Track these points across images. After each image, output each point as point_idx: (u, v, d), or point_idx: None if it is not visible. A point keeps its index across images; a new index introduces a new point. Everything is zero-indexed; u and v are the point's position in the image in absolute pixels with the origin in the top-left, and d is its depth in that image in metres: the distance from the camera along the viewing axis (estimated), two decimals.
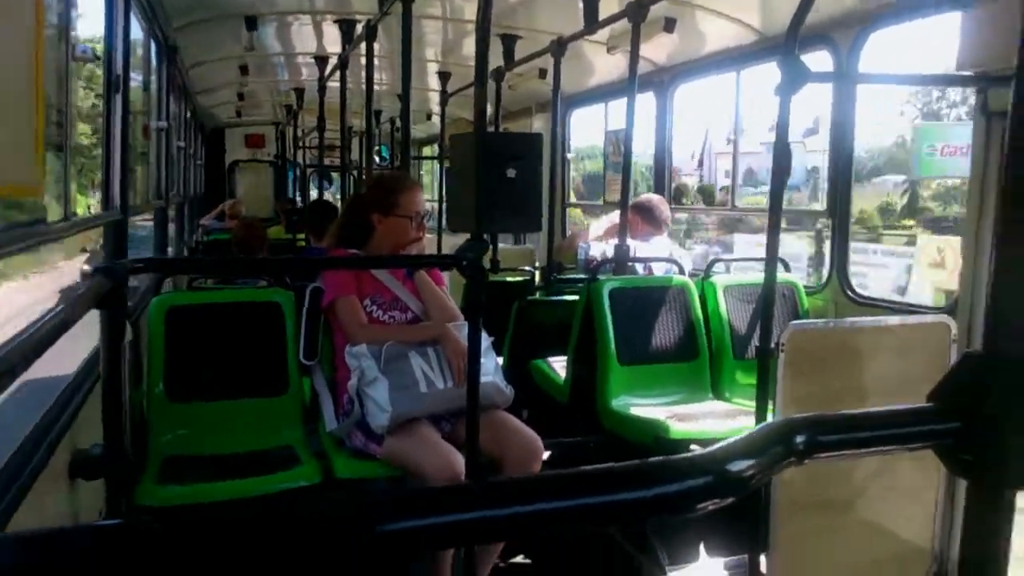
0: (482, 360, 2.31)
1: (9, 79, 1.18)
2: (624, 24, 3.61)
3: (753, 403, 2.35)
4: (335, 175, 11.53)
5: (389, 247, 2.77)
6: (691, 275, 3.70)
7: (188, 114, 6.80)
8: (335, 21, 4.39)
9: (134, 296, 3.13)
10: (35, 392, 1.66)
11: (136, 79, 4.00)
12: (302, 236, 6.44)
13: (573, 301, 3.65)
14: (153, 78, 4.21)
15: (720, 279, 3.60)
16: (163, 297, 2.83)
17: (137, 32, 3.52)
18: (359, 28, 4.24)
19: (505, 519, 0.59)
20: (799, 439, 0.66)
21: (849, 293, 3.53)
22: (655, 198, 4.02)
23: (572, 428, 3.38)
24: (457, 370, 2.53)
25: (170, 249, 5.08)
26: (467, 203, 2.08)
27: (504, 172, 2.09)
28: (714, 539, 2.78)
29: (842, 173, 3.59)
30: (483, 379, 2.36)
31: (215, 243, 7.10)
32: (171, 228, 5.20)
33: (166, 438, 2.65)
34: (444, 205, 6.91)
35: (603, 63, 4.92)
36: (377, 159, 9.07)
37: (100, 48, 2.44)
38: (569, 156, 6.20)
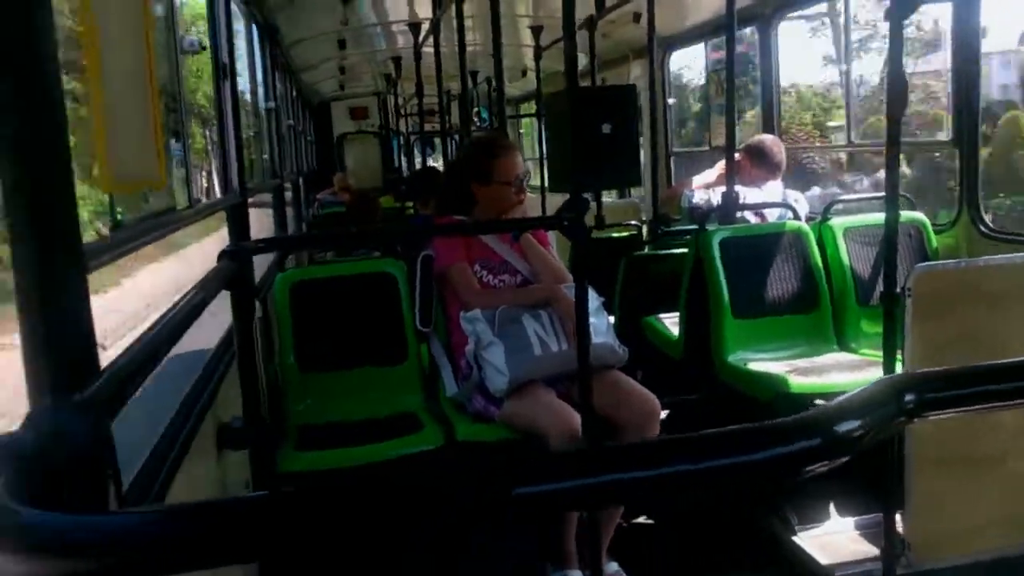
0: (593, 320, 2.30)
1: (127, 84, 1.24)
2: None
3: (882, 353, 2.23)
4: (437, 140, 11.67)
5: (492, 213, 2.77)
6: (808, 219, 3.52)
7: (294, 92, 7.01)
8: None
9: (260, 273, 3.29)
10: (176, 370, 1.79)
11: (242, 64, 4.16)
12: (411, 204, 6.57)
13: (682, 254, 3.55)
14: (258, 60, 4.36)
15: (839, 221, 3.41)
16: (286, 274, 2.96)
17: (237, 17, 3.64)
18: None
19: (626, 483, 0.60)
20: (909, 398, 0.64)
21: (982, 229, 3.26)
22: (767, 139, 3.81)
23: (687, 385, 3.32)
24: (570, 331, 2.53)
25: (290, 225, 5.31)
26: (564, 162, 2.05)
27: (599, 128, 2.03)
28: (845, 498, 2.69)
29: (968, 100, 3.30)
30: (595, 339, 2.34)
31: (330, 216, 7.35)
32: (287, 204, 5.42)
33: (300, 407, 2.80)
34: (544, 163, 6.86)
35: (699, 1, 4.70)
36: (477, 121, 9.08)
37: (205, 38, 2.55)
38: (671, 101, 5.99)
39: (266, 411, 2.25)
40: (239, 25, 3.65)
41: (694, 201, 3.66)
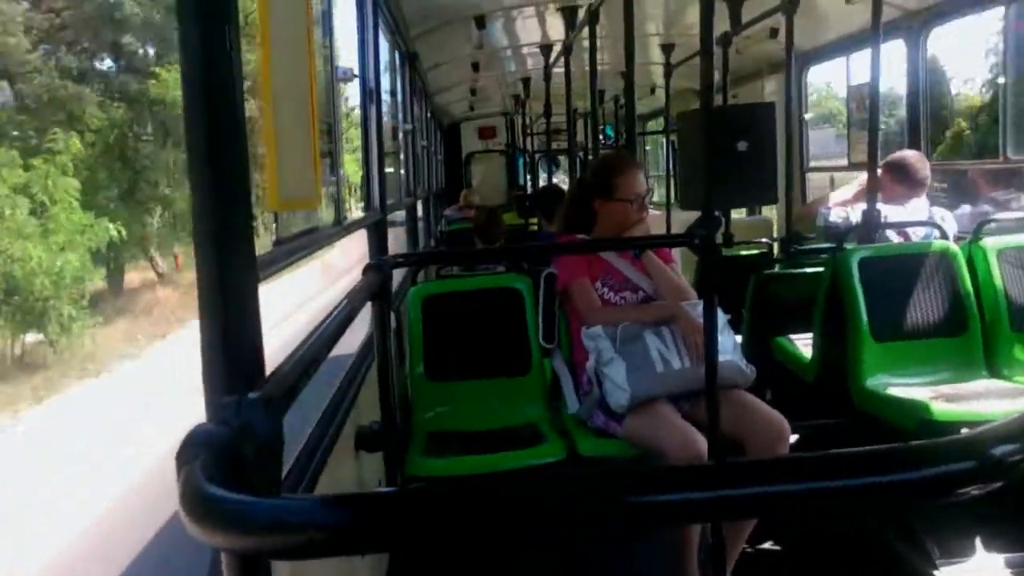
0: (720, 338, 2.27)
1: (293, 113, 1.38)
2: None
3: None
4: (562, 158, 11.81)
5: (613, 230, 2.79)
6: (956, 239, 3.31)
7: (428, 114, 7.33)
8: (558, 9, 4.49)
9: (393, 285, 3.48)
10: (320, 374, 1.94)
11: (384, 88, 4.41)
12: (534, 220, 6.69)
13: (816, 274, 3.43)
14: (398, 85, 4.60)
15: (993, 242, 3.19)
16: (419, 287, 3.11)
17: (382, 44, 3.87)
18: (581, 13, 4.30)
19: (749, 498, 0.59)
20: None
21: None
22: (911, 155, 3.62)
23: (820, 409, 3.19)
24: (694, 349, 2.51)
25: (420, 240, 5.54)
26: (697, 179, 2.05)
27: (735, 146, 2.02)
28: (993, 532, 2.50)
29: None
30: (722, 358, 2.32)
31: (456, 232, 7.60)
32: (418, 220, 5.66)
33: (427, 415, 2.92)
34: (671, 180, 6.80)
35: (841, 13, 4.53)
36: (602, 138, 9.12)
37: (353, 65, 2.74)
38: (807, 117, 5.80)
39: (399, 417, 2.38)
40: (383, 52, 3.88)
41: (831, 219, 3.53)
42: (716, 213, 2.10)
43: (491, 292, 3.07)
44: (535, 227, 6.42)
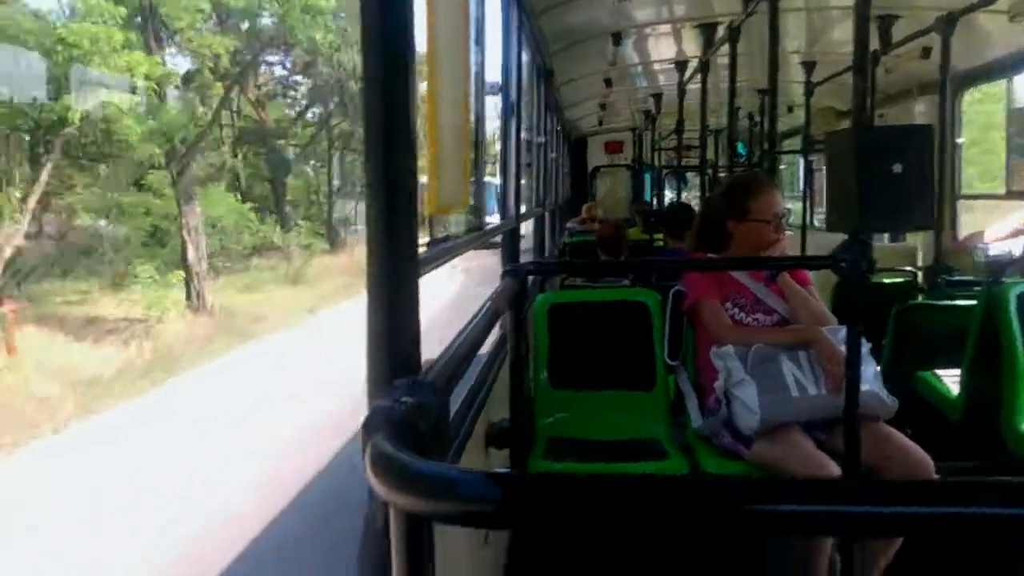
0: (860, 367, 2.18)
1: (452, 127, 1.46)
2: None
3: None
4: (690, 175, 11.62)
5: (748, 251, 2.73)
6: None
7: (558, 128, 7.43)
8: (696, 27, 4.46)
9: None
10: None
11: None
12: (658, 236, 6.63)
13: (967, 307, 3.22)
14: (533, 99, 4.71)
15: None
16: (547, 295, 3.16)
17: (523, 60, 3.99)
18: (720, 31, 4.25)
19: (885, 517, 0.60)
20: None
21: None
22: None
23: (965, 450, 2.99)
24: (833, 376, 2.42)
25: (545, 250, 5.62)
26: (846, 201, 1.99)
27: (888, 167, 1.94)
28: None
29: None
30: (862, 387, 2.23)
31: (578, 244, 7.64)
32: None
33: (548, 420, 2.96)
34: (807, 201, 6.56)
35: (1003, 32, 4.25)
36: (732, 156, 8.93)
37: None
38: (960, 141, 5.45)
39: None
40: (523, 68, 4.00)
41: (991, 254, 3.31)
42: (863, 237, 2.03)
43: (618, 305, 3.08)
44: (659, 243, 6.37)
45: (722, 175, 8.64)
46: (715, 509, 0.63)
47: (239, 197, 21.83)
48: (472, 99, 1.70)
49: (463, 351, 1.23)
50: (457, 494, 0.64)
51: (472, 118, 2.00)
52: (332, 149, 27.68)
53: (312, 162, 28.68)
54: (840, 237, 2.55)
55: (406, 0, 1.06)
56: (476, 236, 2.02)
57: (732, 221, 2.75)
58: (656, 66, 6.21)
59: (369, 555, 0.98)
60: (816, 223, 7.36)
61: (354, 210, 27.92)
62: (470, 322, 1.36)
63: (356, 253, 23.48)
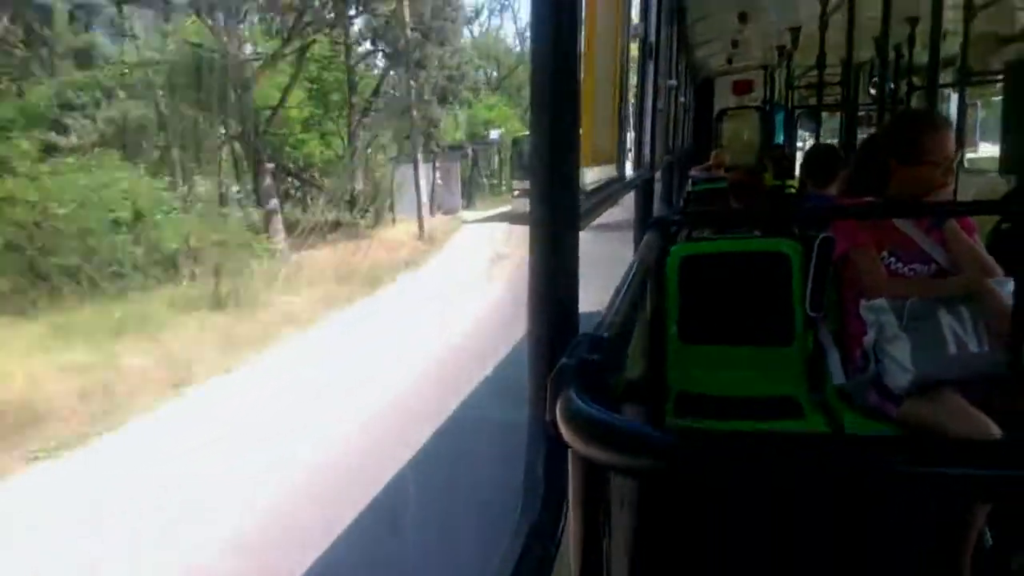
0: None
1: (604, 83, 1.44)
2: None
3: None
4: (825, 116, 10.95)
5: (910, 195, 2.56)
6: None
7: (686, 69, 7.16)
8: None
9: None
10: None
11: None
12: (791, 183, 6.32)
13: None
14: (667, 40, 4.55)
15: None
16: (680, 247, 3.09)
17: None
18: None
19: None
20: None
21: None
22: None
23: None
24: (998, 331, 2.26)
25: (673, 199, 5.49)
26: None
27: None
28: None
29: None
30: None
31: (704, 193, 7.40)
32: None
33: (678, 375, 2.94)
34: (962, 141, 6.06)
35: None
36: (873, 91, 8.36)
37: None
38: None
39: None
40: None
41: None
42: None
43: (757, 256, 2.98)
44: (791, 190, 6.07)
45: (861, 115, 8.10)
46: (862, 468, 0.61)
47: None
48: (621, 51, 1.67)
49: (625, 308, 1.24)
50: (657, 450, 0.66)
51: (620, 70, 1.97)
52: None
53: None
54: (988, 180, 2.35)
55: None
56: (619, 188, 2.00)
57: (897, 161, 2.58)
58: None
59: (538, 495, 1.02)
60: (965, 165, 6.80)
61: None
62: (625, 279, 1.37)
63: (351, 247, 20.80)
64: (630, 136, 2.90)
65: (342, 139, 25.82)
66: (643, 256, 1.58)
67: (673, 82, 4.68)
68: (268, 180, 20.14)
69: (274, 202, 20.12)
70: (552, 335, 1.08)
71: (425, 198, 26.58)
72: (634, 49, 2.83)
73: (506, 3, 45.27)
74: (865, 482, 0.63)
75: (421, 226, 24.28)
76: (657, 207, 4.88)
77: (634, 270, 1.42)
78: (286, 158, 24.00)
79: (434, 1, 24.94)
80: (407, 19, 23.67)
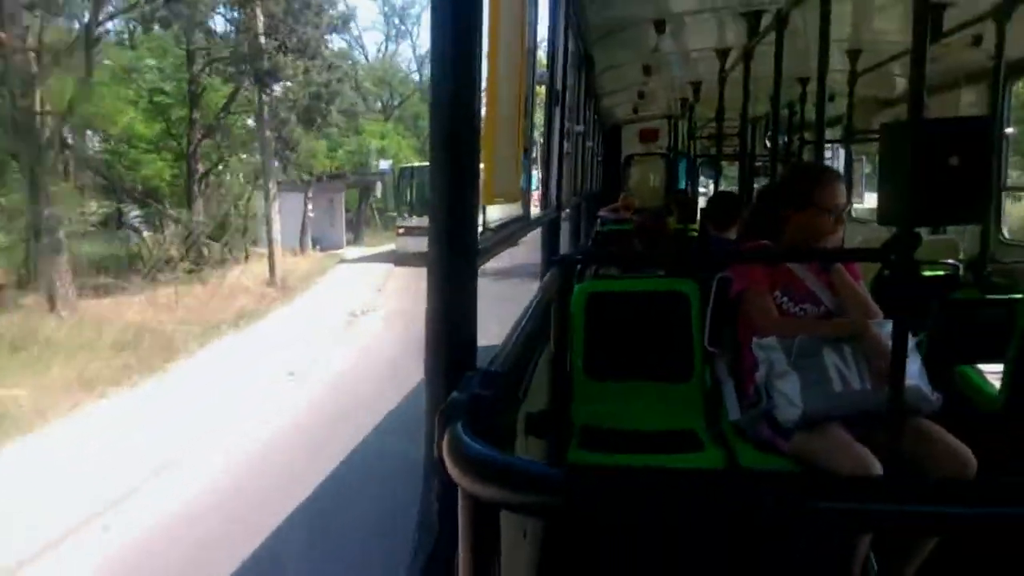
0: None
1: (506, 120, 1.47)
2: None
3: None
4: (724, 164, 11.50)
5: (802, 240, 2.71)
6: None
7: (595, 116, 7.39)
8: (741, 14, 4.40)
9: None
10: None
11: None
12: (693, 227, 6.58)
13: (1012, 300, 3.17)
14: (575, 87, 4.69)
15: None
16: (585, 284, 3.16)
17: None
18: (765, 19, 4.20)
19: (928, 515, 0.61)
20: None
21: None
22: None
23: (1006, 446, 2.95)
24: (879, 370, 2.40)
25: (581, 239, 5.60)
26: (899, 194, 1.96)
27: (945, 161, 1.91)
28: None
29: None
30: (907, 382, 2.21)
31: (611, 233, 7.61)
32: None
33: (583, 409, 2.97)
34: (849, 193, 6.47)
35: None
36: (768, 144, 8.85)
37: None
38: (1009, 132, 5.34)
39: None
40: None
41: None
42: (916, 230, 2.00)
43: (659, 295, 3.07)
44: (694, 233, 6.32)
45: (758, 164, 8.55)
46: (754, 504, 0.64)
47: None
48: (524, 95, 1.71)
49: (522, 340, 1.25)
50: (547, 487, 0.67)
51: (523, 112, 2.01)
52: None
53: None
54: (872, 229, 2.52)
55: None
56: (522, 226, 2.03)
57: (792, 209, 2.72)
58: (695, 54, 6.14)
59: (429, 535, 1.01)
60: (852, 214, 7.24)
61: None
62: (524, 314, 1.38)
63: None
64: (537, 177, 2.98)
65: (182, 160, 22.39)
66: (545, 291, 1.61)
67: (580, 127, 4.83)
68: (50, 206, 14.87)
69: (60, 236, 14.96)
70: (448, 371, 1.08)
71: (297, 232, 24.61)
72: (542, 93, 2.92)
73: (404, 28, 43.13)
74: (754, 516, 0.66)
75: (272, 268, 20.80)
76: (566, 246, 4.98)
77: (534, 305, 1.44)
78: (119, 178, 20.71)
79: (293, 3, 20.96)
80: (259, 21, 20.22)
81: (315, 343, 14.24)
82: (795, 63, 5.67)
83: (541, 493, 0.67)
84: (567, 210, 5.17)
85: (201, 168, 22.60)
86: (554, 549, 2.07)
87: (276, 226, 21.41)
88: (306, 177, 24.67)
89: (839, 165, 8.12)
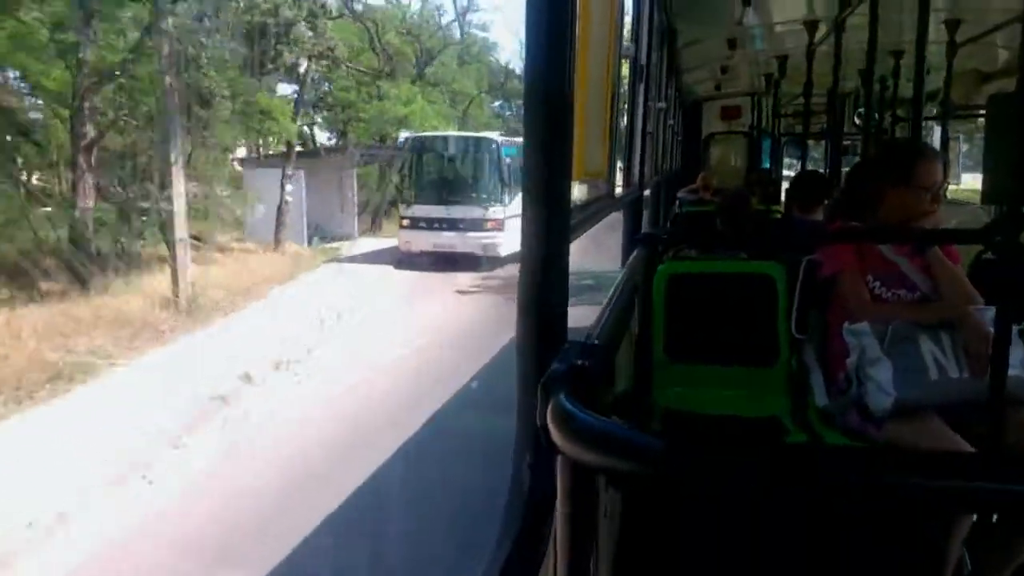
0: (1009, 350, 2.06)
1: (596, 99, 1.46)
2: None
3: None
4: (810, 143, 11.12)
5: (898, 220, 2.60)
6: None
7: (675, 92, 7.25)
8: None
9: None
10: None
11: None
12: (776, 208, 6.39)
13: None
14: (657, 62, 4.61)
15: None
16: (667, 265, 3.12)
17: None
18: None
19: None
20: None
21: None
22: None
23: None
24: (979, 358, 2.29)
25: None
26: (1007, 171, 1.86)
27: None
28: None
29: None
30: (1010, 372, 2.10)
31: (691, 215, 7.47)
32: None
33: (663, 392, 2.95)
34: (947, 171, 6.17)
35: None
36: (858, 122, 8.51)
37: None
38: None
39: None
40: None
41: None
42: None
43: (743, 277, 3.01)
44: (777, 215, 6.14)
45: (846, 144, 8.22)
46: (842, 480, 0.63)
47: None
48: (612, 70, 1.69)
49: (613, 320, 1.25)
50: (647, 456, 0.67)
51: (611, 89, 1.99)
52: None
53: None
54: (969, 211, 2.39)
55: None
56: (609, 204, 2.02)
57: (888, 186, 2.62)
58: (781, 27, 5.94)
59: (524, 501, 1.02)
60: (947, 196, 6.88)
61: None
62: (614, 293, 1.38)
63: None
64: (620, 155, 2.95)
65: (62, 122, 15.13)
66: (631, 272, 1.60)
67: (662, 104, 4.74)
68: None
69: None
70: (540, 344, 1.09)
71: (273, 220, 18.94)
72: (625, 69, 2.88)
73: None
74: (848, 492, 0.64)
75: (176, 281, 13.78)
76: (646, 226, 4.92)
77: (622, 285, 1.44)
78: None
79: None
80: None
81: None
82: (889, 35, 5.41)
83: (641, 461, 0.68)
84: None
85: (92, 132, 14.92)
86: (640, 526, 2.07)
87: (249, 213, 16.61)
88: (280, 149, 19.28)
89: (934, 144, 7.74)
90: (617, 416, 2.16)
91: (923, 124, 9.33)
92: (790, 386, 2.86)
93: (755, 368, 2.91)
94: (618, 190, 2.73)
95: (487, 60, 33.71)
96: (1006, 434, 2.07)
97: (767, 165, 10.46)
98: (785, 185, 6.94)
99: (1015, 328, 2.31)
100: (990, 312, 2.28)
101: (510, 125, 30.58)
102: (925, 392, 2.33)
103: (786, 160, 12.33)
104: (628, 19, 2.80)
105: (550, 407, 0.77)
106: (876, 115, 8.46)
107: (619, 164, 2.74)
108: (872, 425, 2.43)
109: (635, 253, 1.90)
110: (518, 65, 31.69)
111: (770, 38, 6.50)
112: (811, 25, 5.29)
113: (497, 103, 34.56)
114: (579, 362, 0.93)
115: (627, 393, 2.20)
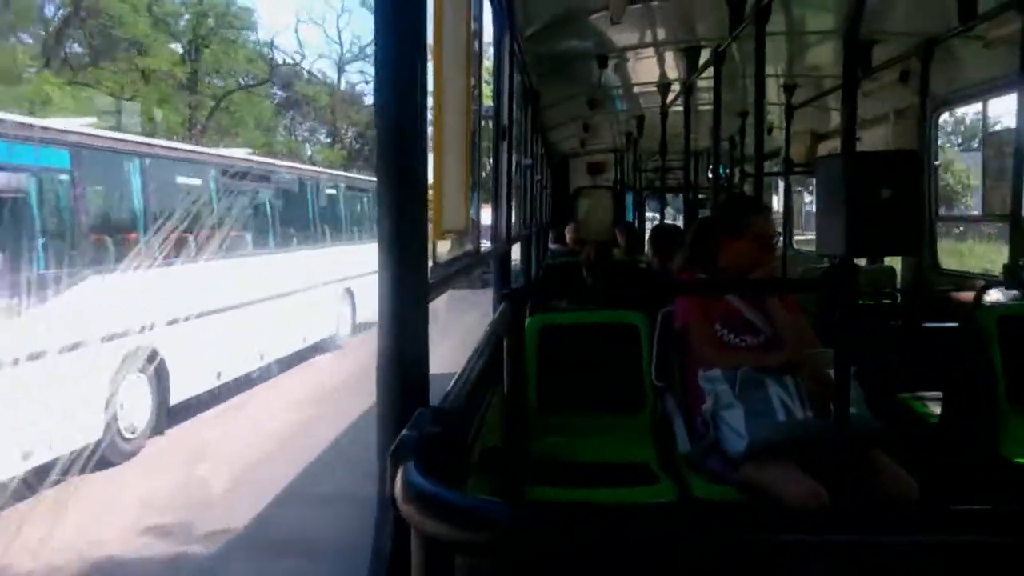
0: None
1: (455, 153, 1.47)
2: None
3: None
4: (669, 197, 11.74)
5: (739, 269, 2.77)
6: None
7: (542, 150, 7.49)
8: (681, 50, 4.53)
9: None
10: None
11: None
12: (642, 257, 6.68)
13: (948, 329, 3.28)
14: (521, 122, 4.75)
15: None
16: (537, 317, 3.16)
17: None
18: (704, 54, 4.33)
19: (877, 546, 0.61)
20: None
21: None
22: None
23: (946, 473, 3.04)
24: (820, 399, 2.44)
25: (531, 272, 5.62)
26: (836, 226, 2.02)
27: (878, 193, 1.99)
28: None
29: None
30: (850, 411, 2.25)
31: (559, 266, 7.66)
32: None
33: (537, 443, 2.95)
34: (787, 224, 6.67)
35: (978, 59, 4.36)
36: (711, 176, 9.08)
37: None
38: (937, 163, 5.58)
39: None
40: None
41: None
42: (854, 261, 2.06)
43: (608, 327, 3.09)
44: (643, 264, 6.41)
45: (701, 197, 8.75)
46: (705, 539, 0.64)
47: None
48: (471, 131, 1.72)
49: (474, 379, 1.23)
50: (498, 526, 0.65)
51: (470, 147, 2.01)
52: None
53: None
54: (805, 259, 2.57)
55: (418, 31, 1.08)
56: (472, 261, 2.03)
57: (727, 238, 2.79)
58: (638, 88, 6.29)
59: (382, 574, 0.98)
60: (794, 245, 7.46)
61: None
62: (476, 350, 1.37)
63: None
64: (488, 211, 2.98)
65: None
66: (498, 325, 1.60)
67: (528, 161, 4.88)
68: None
69: None
70: (399, 409, 1.06)
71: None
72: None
73: None
74: (707, 552, 0.65)
75: None
76: (517, 277, 4.99)
77: (487, 338, 1.43)
78: None
79: None
80: None
81: None
82: (734, 97, 5.85)
83: (489, 531, 0.66)
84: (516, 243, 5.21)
85: None
86: None
87: None
88: None
89: (782, 197, 8.39)
90: (490, 471, 2.14)
91: (770, 179, 10.12)
92: (656, 432, 2.93)
93: (624, 416, 2.96)
94: (485, 244, 2.76)
95: None
96: (850, 469, 2.20)
97: (631, 217, 10.94)
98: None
99: (851, 369, 2.50)
100: (829, 354, 2.44)
101: None
102: (775, 433, 2.44)
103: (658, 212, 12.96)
104: (493, 80, 2.89)
105: (399, 477, 0.74)
106: (727, 170, 9.09)
107: (489, 220, 2.78)
108: (730, 467, 2.52)
109: (501, 307, 1.91)
110: None
111: (628, 99, 6.86)
112: (664, 88, 5.64)
113: None
114: (432, 429, 0.91)
115: (498, 447, 2.18)
